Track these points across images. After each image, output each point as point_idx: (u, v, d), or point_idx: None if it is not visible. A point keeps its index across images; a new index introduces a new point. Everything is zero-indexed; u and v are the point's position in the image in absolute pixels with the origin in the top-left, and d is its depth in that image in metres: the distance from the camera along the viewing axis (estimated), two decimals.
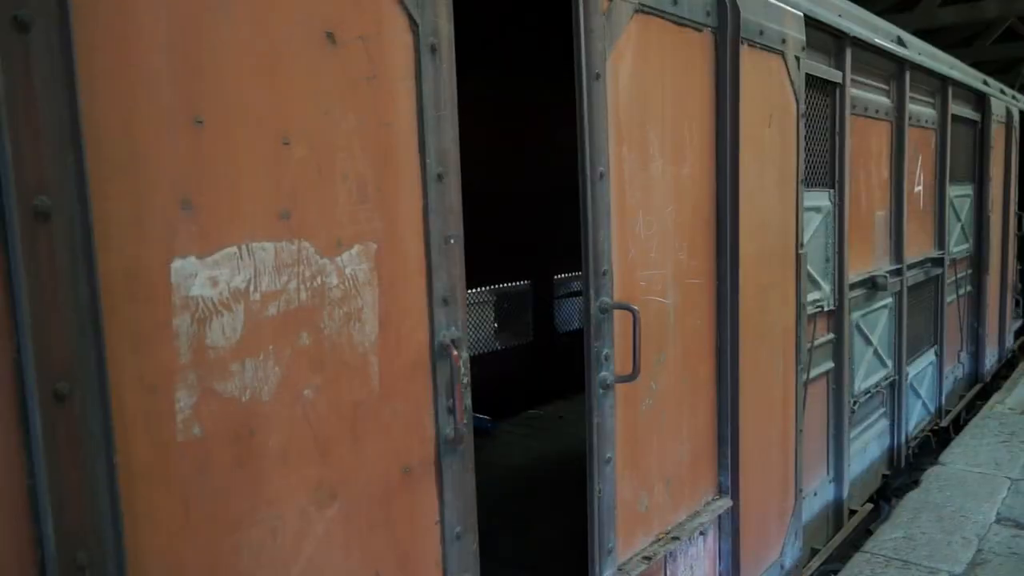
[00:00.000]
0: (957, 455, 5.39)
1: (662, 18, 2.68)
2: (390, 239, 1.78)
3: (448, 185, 1.92)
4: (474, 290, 6.59)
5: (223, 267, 1.46)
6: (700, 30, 2.90)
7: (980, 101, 6.94)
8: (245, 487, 1.50)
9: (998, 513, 4.42)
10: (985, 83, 7.09)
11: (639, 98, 2.59)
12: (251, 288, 1.50)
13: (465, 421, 1.94)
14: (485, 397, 6.25)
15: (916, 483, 5.04)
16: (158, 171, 1.38)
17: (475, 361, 6.82)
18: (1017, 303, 9.04)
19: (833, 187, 4.32)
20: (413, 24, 1.82)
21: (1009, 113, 7.74)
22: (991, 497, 4.61)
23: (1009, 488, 4.76)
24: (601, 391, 2.46)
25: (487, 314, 6.88)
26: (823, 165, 4.27)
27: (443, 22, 1.89)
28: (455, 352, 1.87)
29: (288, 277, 1.56)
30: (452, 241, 1.93)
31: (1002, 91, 7.79)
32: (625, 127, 2.53)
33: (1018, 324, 9.15)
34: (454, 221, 1.94)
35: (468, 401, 1.94)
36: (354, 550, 1.71)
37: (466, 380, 1.93)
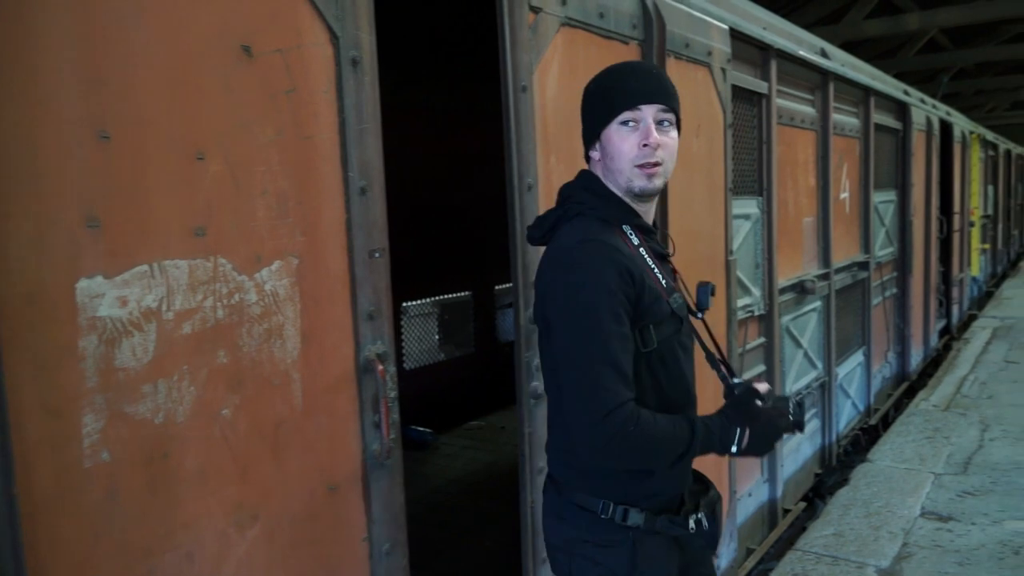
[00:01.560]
0: (884, 452, 5.58)
1: (588, 31, 2.72)
2: (312, 254, 1.76)
3: (372, 199, 1.90)
4: (417, 302, 6.56)
5: (133, 286, 1.42)
6: (627, 42, 2.95)
7: (902, 110, 7.22)
8: (159, 512, 1.45)
9: (922, 507, 4.59)
10: (906, 93, 7.38)
11: (567, 109, 2.62)
12: (163, 307, 1.46)
13: (393, 436, 1.93)
14: (427, 409, 6.23)
15: (846, 480, 5.20)
16: (62, 188, 1.34)
17: (418, 373, 6.78)
18: (940, 303, 9.42)
19: (761, 195, 4.44)
20: (334, 37, 1.81)
21: (929, 122, 8.07)
22: (916, 492, 4.79)
23: (933, 482, 4.94)
24: (532, 401, 2.47)
25: (430, 326, 6.84)
26: (751, 173, 4.39)
27: (365, 35, 1.88)
28: (380, 367, 1.86)
29: (203, 295, 1.53)
30: (377, 255, 1.92)
31: (922, 100, 8.12)
32: (553, 138, 2.56)
33: (942, 324, 9.53)
34: (379, 235, 1.93)
35: (396, 416, 1.93)
36: (277, 571, 1.68)
37: (393, 395, 1.92)
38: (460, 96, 6.13)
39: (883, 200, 6.82)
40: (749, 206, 4.31)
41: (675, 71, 3.20)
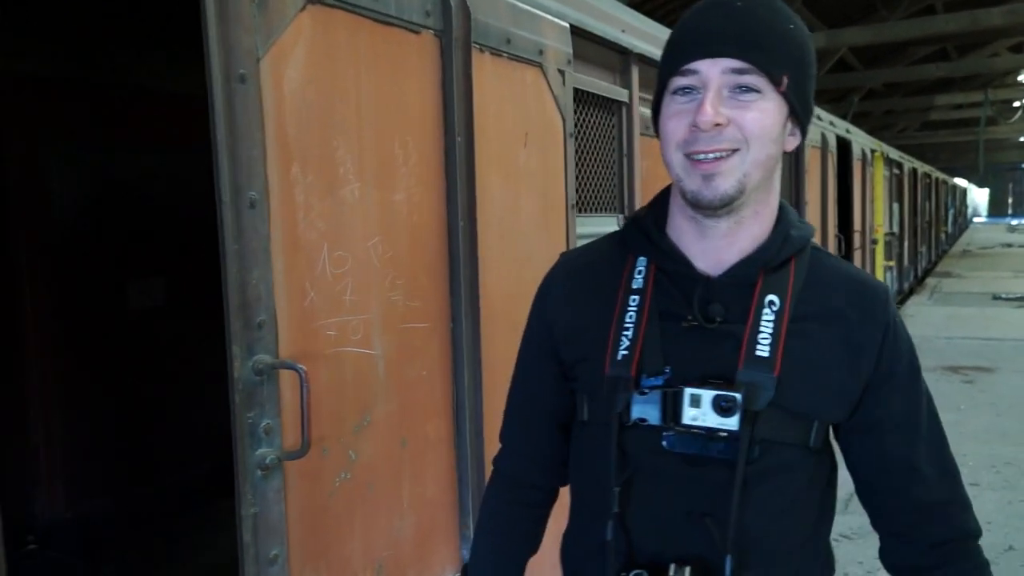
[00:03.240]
0: None
1: (355, 13, 2.23)
2: None
3: None
4: None
5: None
6: (417, 31, 2.47)
7: None
8: None
9: None
10: None
11: (321, 108, 2.12)
12: None
13: None
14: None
15: None
16: None
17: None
18: None
19: (623, 212, 4.03)
20: None
21: (825, 138, 7.89)
22: None
23: None
24: (260, 474, 1.95)
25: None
26: (611, 189, 3.98)
27: None
28: None
29: None
30: None
31: (818, 117, 7.94)
32: (297, 143, 2.05)
33: None
34: None
35: None
36: None
37: None
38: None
39: None
40: (607, 224, 3.89)
41: (490, 70, 2.75)
